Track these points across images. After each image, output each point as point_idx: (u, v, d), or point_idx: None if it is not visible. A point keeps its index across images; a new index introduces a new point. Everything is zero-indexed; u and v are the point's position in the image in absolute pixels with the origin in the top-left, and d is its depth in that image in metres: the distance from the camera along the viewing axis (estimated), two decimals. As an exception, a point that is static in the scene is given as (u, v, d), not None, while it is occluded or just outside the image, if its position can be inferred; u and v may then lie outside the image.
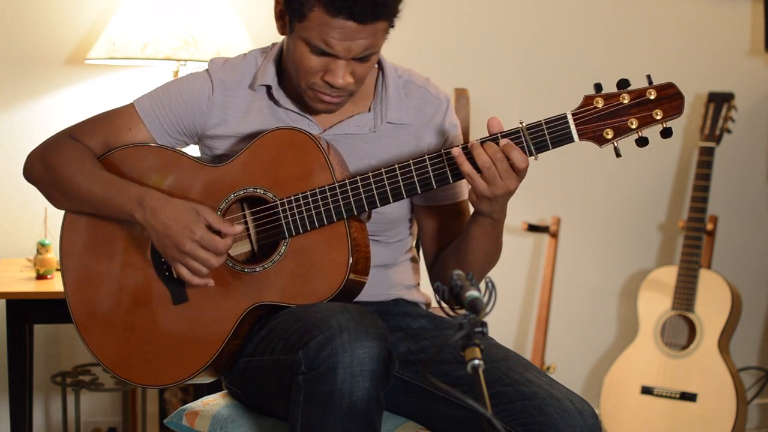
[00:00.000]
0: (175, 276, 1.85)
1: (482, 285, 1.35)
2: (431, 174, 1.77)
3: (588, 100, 1.73)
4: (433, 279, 1.99)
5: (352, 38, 1.72)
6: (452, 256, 1.92)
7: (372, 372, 1.61)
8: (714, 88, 3.48)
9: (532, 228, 3.39)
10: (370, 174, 1.79)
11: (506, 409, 1.69)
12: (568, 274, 3.53)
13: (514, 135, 1.73)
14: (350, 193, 1.79)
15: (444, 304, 1.39)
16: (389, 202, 1.80)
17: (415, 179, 1.78)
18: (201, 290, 1.85)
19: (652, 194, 3.61)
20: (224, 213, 1.86)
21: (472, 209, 1.83)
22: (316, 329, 1.63)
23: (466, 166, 1.72)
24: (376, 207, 1.80)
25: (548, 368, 3.36)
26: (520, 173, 1.73)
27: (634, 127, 1.71)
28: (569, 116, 1.72)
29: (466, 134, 2.15)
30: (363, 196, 1.78)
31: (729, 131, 3.42)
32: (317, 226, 1.79)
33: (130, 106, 1.95)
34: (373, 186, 1.78)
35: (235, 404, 1.95)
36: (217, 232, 1.79)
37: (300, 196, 1.80)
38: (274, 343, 1.75)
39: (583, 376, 3.64)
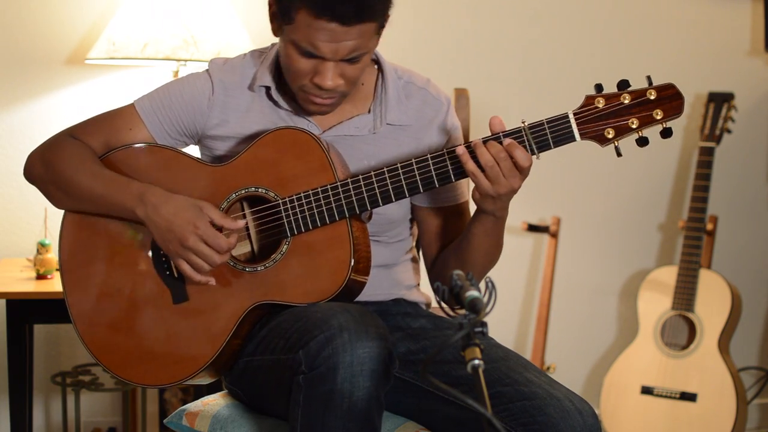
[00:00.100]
0: (175, 275, 1.85)
1: (482, 285, 1.35)
2: (433, 173, 1.77)
3: (589, 99, 1.73)
4: (432, 279, 1.98)
5: (338, 40, 1.72)
6: (453, 255, 1.92)
7: (372, 372, 1.61)
8: (714, 88, 3.48)
9: (532, 228, 3.39)
10: (372, 173, 1.79)
11: (506, 409, 1.69)
12: (568, 274, 3.53)
13: (516, 134, 1.73)
14: (352, 192, 1.78)
15: (444, 304, 1.39)
16: (391, 201, 1.79)
17: (418, 178, 1.77)
18: (201, 289, 1.84)
19: (652, 194, 3.61)
20: (226, 212, 1.85)
21: (473, 209, 1.83)
22: (316, 329, 1.63)
23: (470, 165, 1.72)
24: (378, 206, 1.80)
25: (548, 368, 3.35)
26: (523, 172, 1.73)
27: (634, 126, 1.72)
28: (571, 116, 1.73)
29: (466, 134, 2.15)
30: (365, 194, 1.78)
31: (729, 131, 3.42)
32: (319, 225, 1.79)
33: (131, 107, 1.95)
34: (375, 185, 1.78)
35: (235, 404, 1.95)
36: (220, 229, 1.78)
37: (302, 195, 1.80)
38: (275, 342, 1.75)
39: (583, 376, 3.64)
